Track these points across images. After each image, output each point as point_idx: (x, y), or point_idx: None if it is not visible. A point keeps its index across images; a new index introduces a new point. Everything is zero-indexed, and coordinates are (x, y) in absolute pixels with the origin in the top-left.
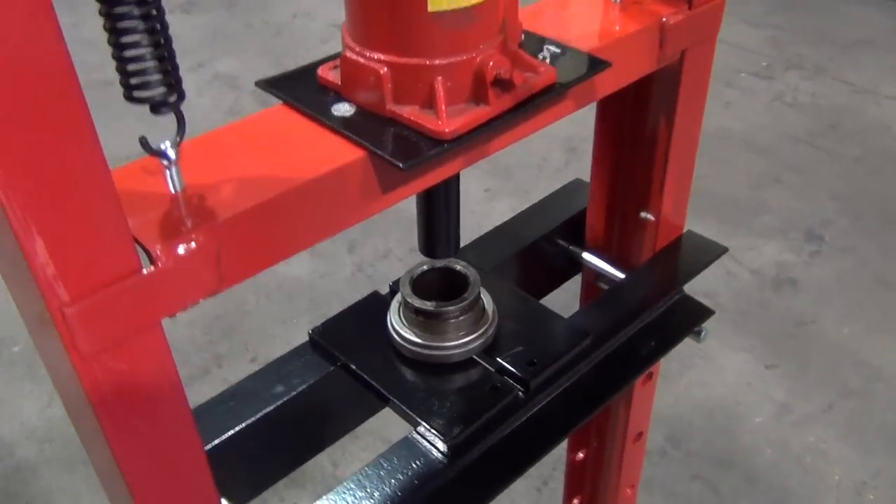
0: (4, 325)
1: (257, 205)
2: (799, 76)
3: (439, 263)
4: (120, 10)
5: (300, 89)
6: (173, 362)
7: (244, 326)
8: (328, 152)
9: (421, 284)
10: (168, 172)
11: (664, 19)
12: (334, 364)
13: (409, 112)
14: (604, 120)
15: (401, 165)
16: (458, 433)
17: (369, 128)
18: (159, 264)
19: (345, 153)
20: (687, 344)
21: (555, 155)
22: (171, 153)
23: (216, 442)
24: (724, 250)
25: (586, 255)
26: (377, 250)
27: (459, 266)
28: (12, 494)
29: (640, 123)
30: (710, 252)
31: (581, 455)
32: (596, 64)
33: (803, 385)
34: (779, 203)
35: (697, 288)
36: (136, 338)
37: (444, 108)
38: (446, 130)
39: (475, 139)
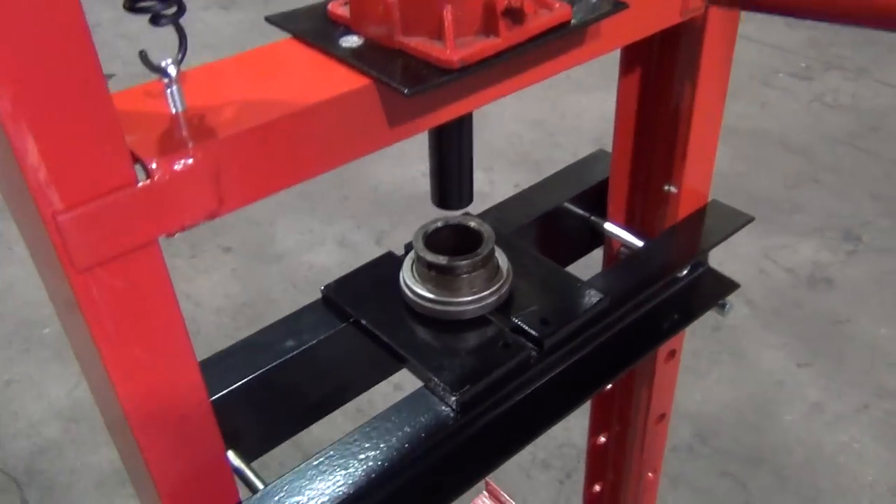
0: (35, 309)
1: (258, 125)
2: (840, 77)
3: (453, 220)
4: None
5: (309, 24)
6: (172, 288)
7: (270, 314)
8: (333, 80)
9: (434, 241)
10: (168, 91)
11: None
12: (346, 321)
13: (417, 43)
14: (626, 87)
15: (405, 91)
16: (468, 388)
17: (377, 58)
18: (156, 178)
19: (350, 81)
20: (715, 340)
21: (584, 150)
22: (172, 70)
23: (223, 392)
24: (750, 219)
25: (608, 226)
26: (405, 241)
27: (473, 223)
28: (37, 472)
29: (662, 90)
30: (736, 220)
31: (603, 439)
32: (614, 5)
33: (837, 384)
34: (816, 203)
35: None
36: (133, 255)
37: (452, 38)
38: (454, 59)
39: (484, 72)
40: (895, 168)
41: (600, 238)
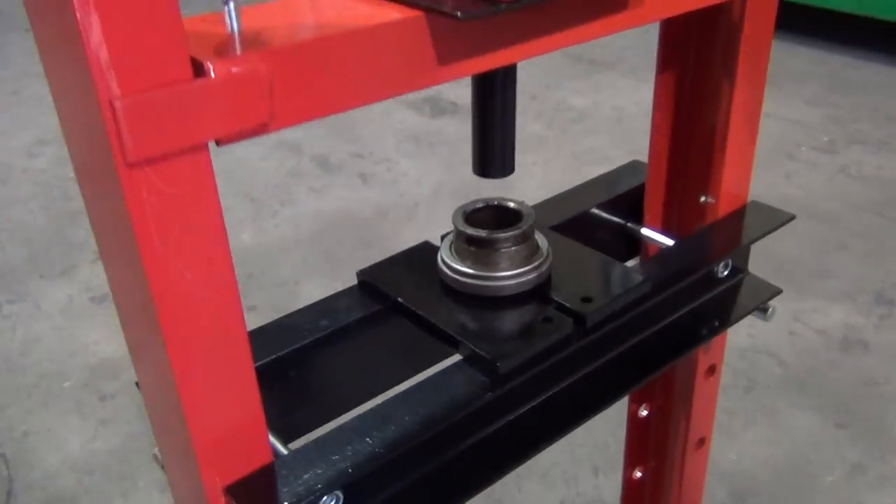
0: (57, 364)
1: (310, 40)
2: (862, 150)
3: (493, 201)
4: None
5: None
6: (220, 205)
7: None
8: (385, 12)
9: (474, 220)
10: (227, 7)
11: None
12: (383, 304)
13: None
14: (661, 94)
15: (458, 15)
16: (510, 358)
17: None
18: (211, 76)
19: (401, 12)
20: (749, 399)
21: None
22: None
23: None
24: (791, 217)
25: (645, 231)
26: None
27: (513, 203)
28: None
29: (698, 94)
30: (776, 218)
31: (639, 474)
32: None
33: (878, 446)
34: (845, 268)
35: (760, 346)
36: (184, 158)
37: None
38: None
39: (531, 20)
40: None
41: (637, 246)
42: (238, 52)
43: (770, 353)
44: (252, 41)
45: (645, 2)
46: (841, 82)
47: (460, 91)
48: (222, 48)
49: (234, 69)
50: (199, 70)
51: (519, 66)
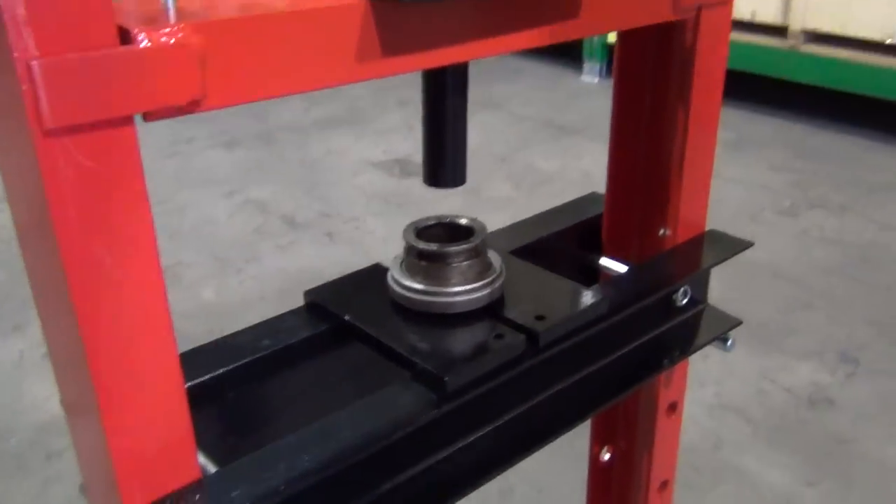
0: (4, 419)
1: (248, 16)
2: (824, 214)
3: (445, 218)
4: None
5: None
6: (145, 186)
7: None
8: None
9: (426, 236)
10: None
11: None
12: (331, 323)
13: None
14: (618, 122)
15: None
16: (458, 376)
17: None
18: (139, 45)
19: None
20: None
21: None
22: None
23: (190, 384)
24: (750, 244)
25: (604, 261)
26: None
27: (465, 220)
28: None
29: (654, 122)
30: (735, 245)
31: None
32: None
33: (850, 503)
34: (811, 327)
35: (728, 403)
36: (107, 132)
37: None
38: None
39: (481, 19)
40: (887, 294)
41: (595, 275)
42: (169, 18)
43: (738, 411)
44: (186, 12)
45: (597, 12)
46: (802, 149)
47: None
48: (153, 18)
49: (165, 38)
50: (126, 38)
51: (488, 128)
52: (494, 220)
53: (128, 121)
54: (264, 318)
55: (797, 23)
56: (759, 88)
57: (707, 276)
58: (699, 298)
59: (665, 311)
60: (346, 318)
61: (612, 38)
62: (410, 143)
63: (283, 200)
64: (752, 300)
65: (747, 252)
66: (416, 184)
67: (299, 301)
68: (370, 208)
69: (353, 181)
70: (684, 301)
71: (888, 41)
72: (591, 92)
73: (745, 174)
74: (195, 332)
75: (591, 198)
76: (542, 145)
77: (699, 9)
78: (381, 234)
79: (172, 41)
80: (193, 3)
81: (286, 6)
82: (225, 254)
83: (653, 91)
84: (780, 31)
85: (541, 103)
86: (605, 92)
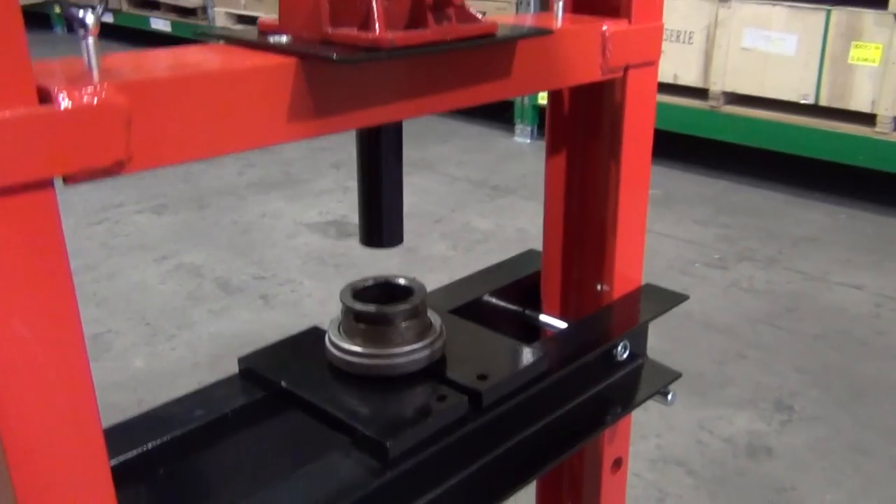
0: None
1: (176, 76)
2: (752, 266)
3: (381, 278)
4: None
5: (239, 33)
6: (66, 255)
7: None
8: (259, 59)
9: (363, 298)
10: (84, 43)
11: (605, 27)
12: (267, 390)
13: (347, 32)
14: (551, 184)
15: (333, 56)
16: (400, 440)
17: (305, 46)
18: (60, 105)
19: (276, 59)
20: None
21: None
22: (90, 19)
23: (116, 462)
24: (685, 298)
25: (543, 318)
26: None
27: (403, 280)
28: None
29: (587, 180)
30: (671, 299)
31: None
32: (538, 30)
33: None
34: (745, 376)
35: (669, 456)
36: (26, 195)
37: (383, 24)
38: (385, 38)
39: (412, 78)
40: (815, 343)
41: (535, 333)
42: (92, 77)
43: (679, 463)
44: (109, 72)
45: (529, 72)
46: (727, 205)
47: None
48: (76, 77)
49: (87, 98)
50: (45, 97)
51: (423, 189)
52: (432, 280)
53: (47, 184)
54: (198, 387)
55: (717, 85)
56: (682, 147)
57: (645, 330)
58: (638, 352)
59: (606, 367)
60: (283, 384)
61: (542, 100)
62: (346, 205)
63: (217, 264)
64: (688, 351)
65: (681, 304)
66: (353, 245)
67: (234, 367)
68: (306, 270)
69: (289, 244)
70: (625, 356)
71: (802, 101)
72: (523, 153)
73: (674, 229)
74: (125, 402)
75: (529, 255)
76: (478, 205)
77: (626, 69)
78: (318, 297)
79: (95, 101)
80: (118, 62)
81: (215, 66)
82: (156, 320)
83: (584, 149)
84: (701, 92)
85: (474, 164)
86: (538, 153)
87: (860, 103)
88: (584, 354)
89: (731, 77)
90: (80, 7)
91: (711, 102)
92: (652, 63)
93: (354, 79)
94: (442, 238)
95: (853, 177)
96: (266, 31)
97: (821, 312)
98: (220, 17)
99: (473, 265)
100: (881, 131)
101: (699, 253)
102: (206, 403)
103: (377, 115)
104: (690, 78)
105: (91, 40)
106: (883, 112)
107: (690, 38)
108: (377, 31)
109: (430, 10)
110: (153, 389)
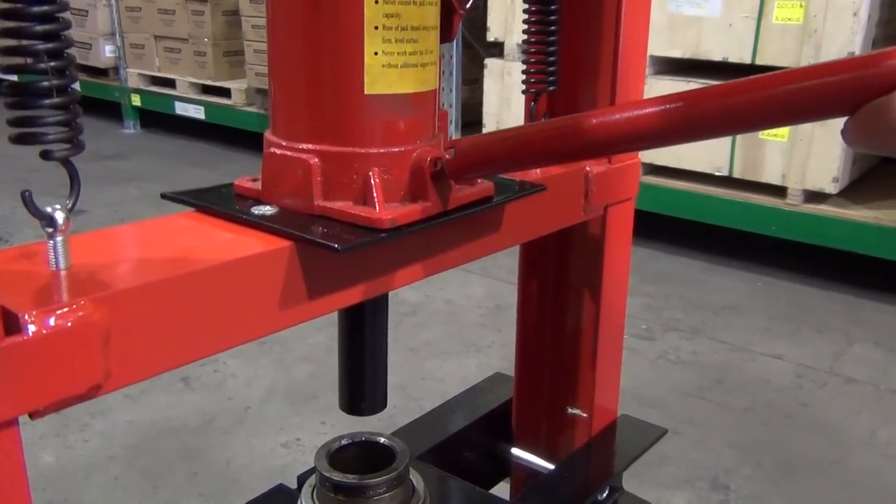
0: None
1: (157, 281)
2: (678, 337)
3: (359, 437)
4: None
5: (214, 198)
6: (29, 494)
7: None
8: (245, 243)
9: (340, 461)
10: (51, 243)
11: (588, 169)
12: None
13: (342, 206)
14: (525, 306)
15: (336, 247)
16: None
17: (295, 222)
18: (28, 333)
19: (266, 242)
20: None
21: None
22: (60, 217)
23: None
24: (664, 432)
25: (515, 451)
26: None
27: (384, 439)
28: None
29: (561, 306)
30: (649, 435)
31: None
32: (530, 187)
33: None
34: (679, 454)
35: None
36: None
37: (381, 200)
38: (386, 218)
39: (410, 245)
40: (743, 417)
41: (507, 466)
42: (64, 298)
43: None
44: (82, 282)
45: (517, 221)
46: (649, 273)
47: None
48: (43, 292)
49: (60, 322)
50: (11, 325)
51: None
52: None
53: (11, 424)
54: (115, 480)
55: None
56: None
57: (622, 469)
58: (618, 487)
59: None
60: None
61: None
62: None
63: None
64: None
65: None
66: None
67: (154, 459)
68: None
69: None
70: (604, 495)
71: (717, 173)
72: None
73: None
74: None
75: (496, 379)
76: None
77: (606, 207)
78: (243, 378)
79: (69, 323)
80: (86, 256)
81: (201, 257)
82: (66, 409)
83: (556, 281)
84: None
85: None
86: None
87: (771, 176)
88: None
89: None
90: (47, 205)
91: None
92: (630, 199)
93: (350, 258)
94: None
95: (768, 246)
96: (246, 196)
97: (746, 384)
98: (133, 78)
99: (405, 341)
100: (791, 203)
101: (627, 324)
102: None
103: (371, 289)
104: None
105: (60, 240)
106: (793, 185)
107: None
108: (377, 209)
109: (431, 180)
110: (64, 488)
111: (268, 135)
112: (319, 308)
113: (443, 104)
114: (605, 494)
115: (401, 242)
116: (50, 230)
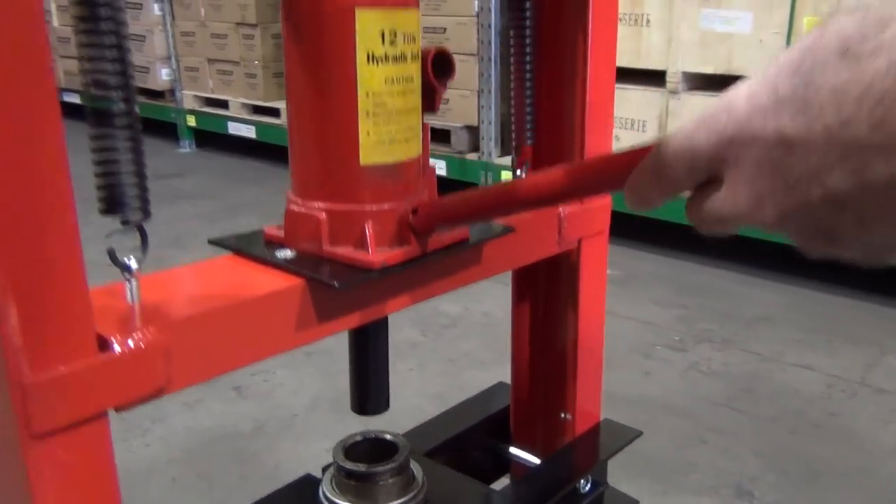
0: None
1: (203, 312)
2: (710, 348)
3: (370, 434)
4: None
5: (248, 244)
6: (116, 473)
7: None
8: (271, 281)
9: (353, 454)
10: (128, 285)
11: (560, 210)
12: None
13: (344, 251)
14: (518, 323)
15: (336, 285)
16: None
17: (308, 264)
18: (115, 351)
19: (286, 280)
20: None
21: None
22: (133, 265)
23: None
24: (639, 433)
25: (513, 450)
26: None
27: (389, 436)
28: None
29: (549, 325)
30: (626, 435)
31: None
32: (502, 229)
33: None
34: (706, 461)
35: None
36: (85, 427)
37: (373, 246)
38: (376, 261)
39: (400, 279)
40: (770, 426)
41: (506, 464)
42: (138, 325)
43: None
44: (150, 312)
45: (494, 255)
46: (685, 285)
47: None
48: (124, 322)
49: (136, 342)
50: (103, 344)
51: None
52: (403, 368)
53: (102, 415)
54: (174, 481)
55: None
56: (641, 229)
57: (605, 464)
58: (600, 481)
59: (571, 500)
60: None
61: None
62: None
63: None
64: (651, 436)
65: (643, 388)
66: None
67: (209, 462)
68: (278, 359)
69: None
70: (587, 488)
71: None
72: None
73: (634, 310)
74: None
75: (499, 388)
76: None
77: (580, 240)
78: (290, 387)
79: (142, 344)
80: (154, 292)
81: (237, 293)
82: (128, 415)
83: (544, 302)
84: None
85: None
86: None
87: None
88: (551, 496)
89: None
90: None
91: None
92: (602, 231)
93: (350, 291)
94: (412, 324)
95: (803, 258)
96: (273, 242)
97: (775, 394)
98: (188, 100)
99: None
100: None
101: (660, 336)
102: None
103: (374, 312)
104: None
105: (135, 283)
106: None
107: (644, 126)
108: (370, 253)
109: (412, 228)
110: (127, 487)
111: (288, 193)
112: (327, 330)
113: (429, 164)
114: (587, 488)
115: (390, 279)
116: (127, 275)
